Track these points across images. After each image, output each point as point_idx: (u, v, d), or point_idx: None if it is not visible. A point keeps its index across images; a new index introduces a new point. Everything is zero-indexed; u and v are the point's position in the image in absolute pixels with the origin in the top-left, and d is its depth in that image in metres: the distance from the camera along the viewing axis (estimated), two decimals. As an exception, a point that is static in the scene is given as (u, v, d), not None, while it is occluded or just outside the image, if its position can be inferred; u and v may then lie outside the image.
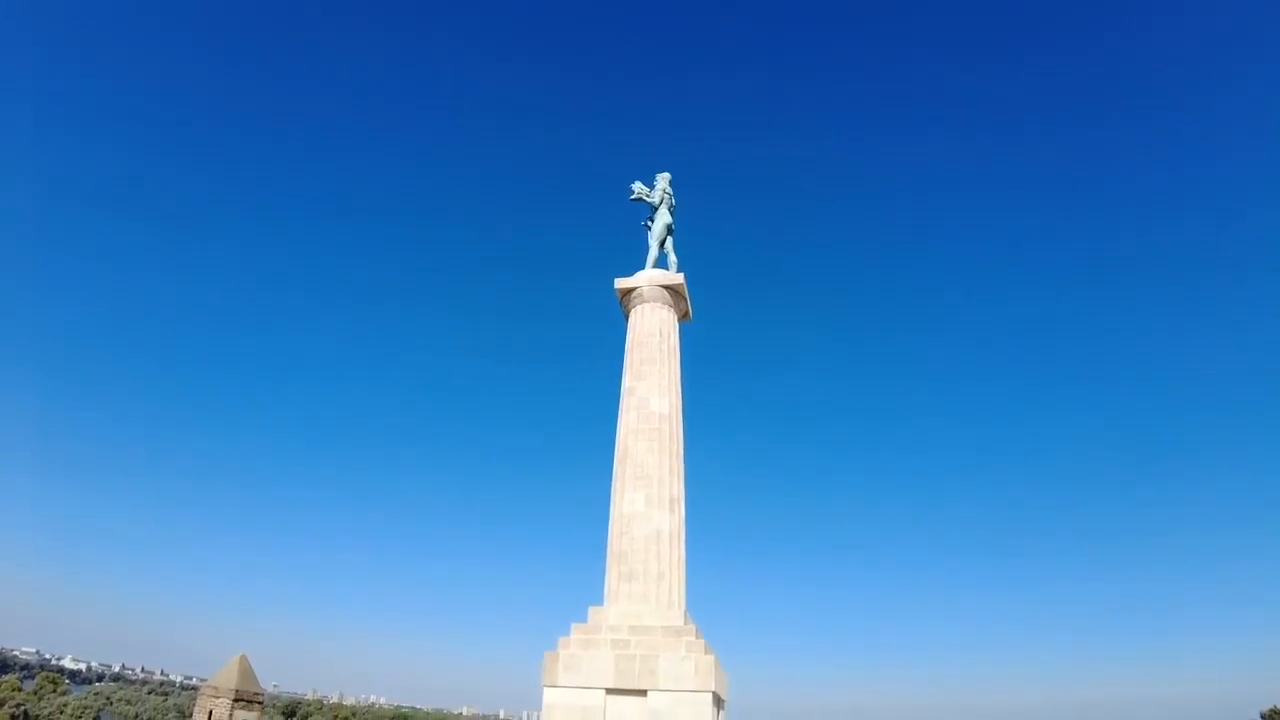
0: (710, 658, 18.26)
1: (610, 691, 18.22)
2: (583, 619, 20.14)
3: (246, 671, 29.34)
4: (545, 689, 18.63)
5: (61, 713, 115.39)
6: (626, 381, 22.78)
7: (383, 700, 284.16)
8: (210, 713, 27.55)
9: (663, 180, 25.73)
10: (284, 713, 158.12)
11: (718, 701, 18.60)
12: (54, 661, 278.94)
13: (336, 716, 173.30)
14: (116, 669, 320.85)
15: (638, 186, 25.47)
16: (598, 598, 20.97)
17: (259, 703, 29.30)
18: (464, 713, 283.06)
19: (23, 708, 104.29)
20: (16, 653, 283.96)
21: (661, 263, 24.83)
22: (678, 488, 21.37)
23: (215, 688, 28.19)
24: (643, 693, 18.01)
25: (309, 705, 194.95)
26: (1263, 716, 47.89)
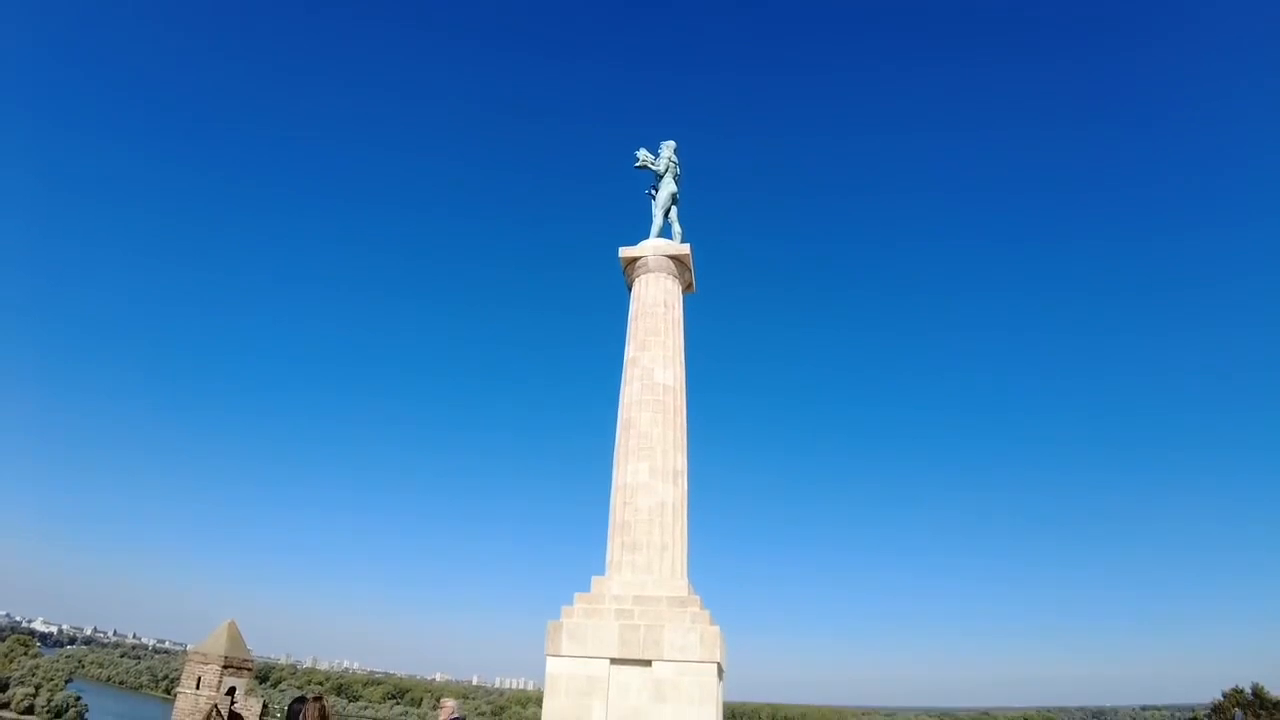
0: (715, 629, 18.28)
1: (614, 661, 18.17)
2: (583, 588, 20.04)
3: (235, 638, 28.98)
4: (548, 658, 18.51)
5: (33, 675, 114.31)
6: (630, 352, 22.49)
7: (356, 666, 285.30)
8: (199, 679, 27.21)
9: (667, 148, 25.22)
10: (256, 677, 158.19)
11: (720, 672, 18.66)
12: (24, 624, 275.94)
13: (310, 681, 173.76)
14: (88, 632, 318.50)
15: (642, 154, 24.96)
16: (596, 569, 20.83)
17: (248, 669, 29.05)
18: (437, 678, 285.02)
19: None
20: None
21: (666, 232, 24.44)
22: (681, 460, 21.24)
23: (204, 654, 27.85)
24: (647, 663, 17.99)
25: (282, 670, 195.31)
26: (1224, 696, 49.33)
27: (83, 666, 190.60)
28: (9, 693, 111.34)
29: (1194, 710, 60.18)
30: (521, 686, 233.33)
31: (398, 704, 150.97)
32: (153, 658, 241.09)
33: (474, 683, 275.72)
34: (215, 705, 27.15)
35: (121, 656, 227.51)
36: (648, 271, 23.24)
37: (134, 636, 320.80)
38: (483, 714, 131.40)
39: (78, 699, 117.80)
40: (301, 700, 8.68)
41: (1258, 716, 44.35)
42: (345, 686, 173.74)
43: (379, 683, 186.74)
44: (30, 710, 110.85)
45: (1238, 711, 41.81)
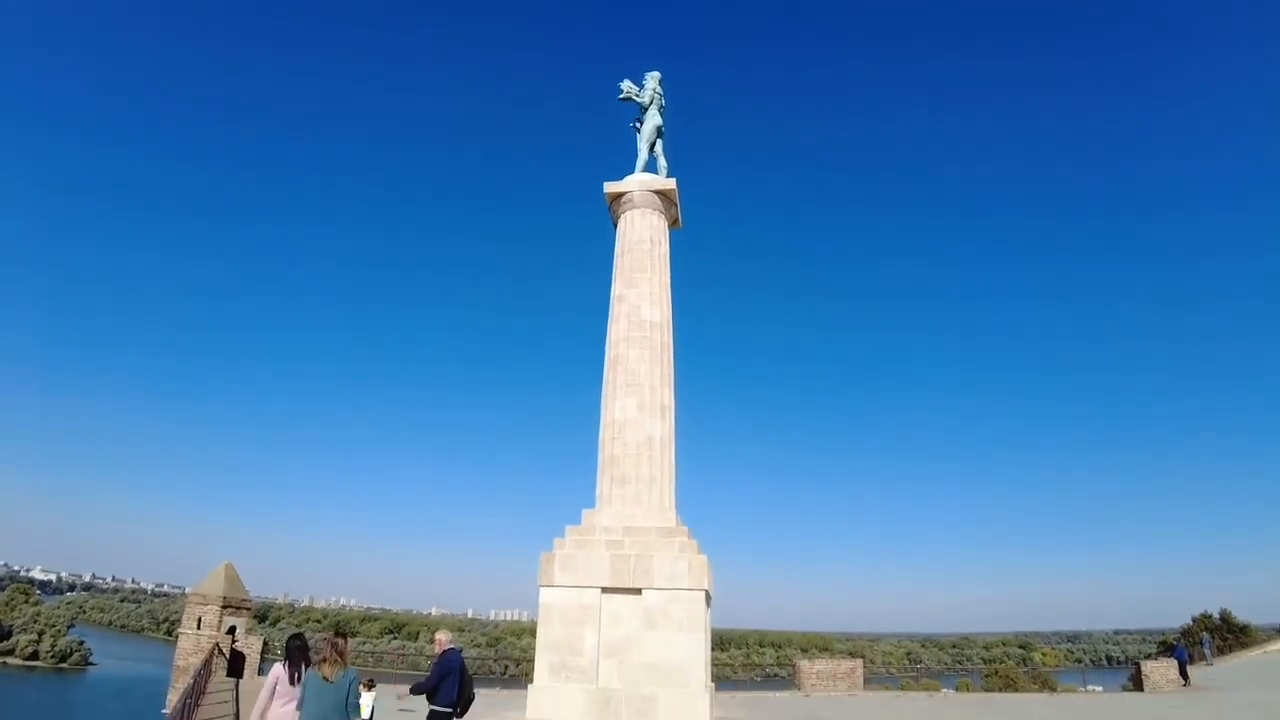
0: (702, 558, 18.74)
1: (606, 590, 18.63)
2: (574, 522, 20.40)
3: (233, 578, 29.57)
4: (541, 589, 18.95)
5: (35, 622, 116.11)
6: (616, 289, 22.41)
7: (353, 603, 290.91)
8: (200, 620, 27.84)
9: (652, 80, 24.64)
10: (255, 617, 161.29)
11: (708, 599, 19.19)
12: (23, 573, 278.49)
13: (308, 619, 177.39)
14: (87, 579, 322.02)
15: (626, 85, 24.39)
16: (586, 503, 21.16)
17: (247, 609, 29.68)
18: (433, 613, 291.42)
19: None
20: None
21: (651, 166, 24.08)
22: (668, 395, 21.41)
23: (203, 595, 28.40)
24: (637, 591, 18.46)
25: (280, 609, 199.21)
26: (1194, 621, 51.23)
27: (84, 612, 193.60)
28: (13, 640, 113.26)
29: (1165, 634, 62.41)
30: (515, 618, 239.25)
31: (394, 638, 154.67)
32: (152, 601, 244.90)
33: (469, 616, 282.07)
34: (217, 644, 27.76)
35: (121, 601, 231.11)
36: (633, 207, 22.99)
37: (132, 581, 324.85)
38: (478, 645, 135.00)
39: (81, 643, 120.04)
40: (299, 636, 8.78)
41: (1224, 639, 46.23)
42: (343, 623, 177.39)
43: (375, 619, 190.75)
44: (35, 656, 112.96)
45: (1205, 635, 43.54)
